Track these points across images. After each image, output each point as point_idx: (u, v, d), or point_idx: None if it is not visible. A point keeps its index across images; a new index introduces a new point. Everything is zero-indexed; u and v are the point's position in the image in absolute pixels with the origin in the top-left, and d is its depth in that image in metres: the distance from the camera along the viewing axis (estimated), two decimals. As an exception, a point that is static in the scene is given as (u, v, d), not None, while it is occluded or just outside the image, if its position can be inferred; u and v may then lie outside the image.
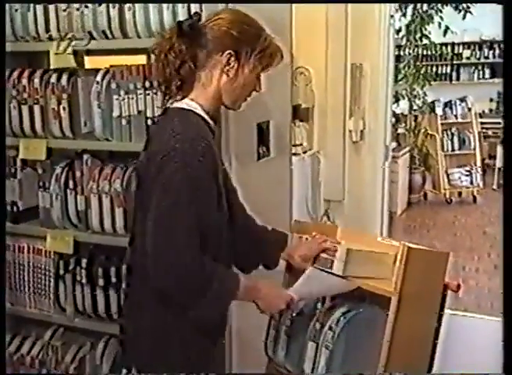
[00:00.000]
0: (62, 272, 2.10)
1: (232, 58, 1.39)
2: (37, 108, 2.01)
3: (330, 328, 1.53)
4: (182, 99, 1.42)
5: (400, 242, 1.55)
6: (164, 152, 1.31)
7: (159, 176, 1.31)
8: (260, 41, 1.42)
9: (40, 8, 1.97)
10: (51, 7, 1.95)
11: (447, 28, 6.45)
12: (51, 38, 1.96)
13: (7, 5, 2.01)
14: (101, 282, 2.02)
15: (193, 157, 1.30)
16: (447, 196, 6.64)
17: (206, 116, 1.42)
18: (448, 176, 6.67)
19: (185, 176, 1.29)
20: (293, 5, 2.25)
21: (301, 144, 3.42)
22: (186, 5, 1.78)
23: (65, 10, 1.93)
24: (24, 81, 2.02)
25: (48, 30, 1.97)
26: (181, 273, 1.30)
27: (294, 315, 1.62)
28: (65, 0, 1.93)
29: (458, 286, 1.52)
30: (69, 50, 1.93)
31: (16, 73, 2.03)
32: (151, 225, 1.31)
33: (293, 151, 2.77)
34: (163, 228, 1.30)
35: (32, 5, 1.97)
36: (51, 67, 1.98)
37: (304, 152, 3.46)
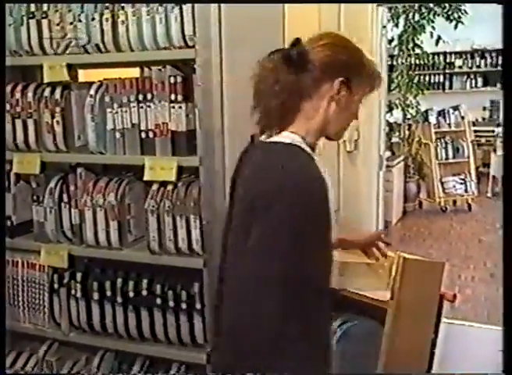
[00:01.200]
0: (56, 286, 2.09)
1: (344, 86, 1.31)
2: (30, 122, 2.01)
3: None
4: (279, 132, 1.33)
5: (394, 252, 1.56)
6: (284, 191, 1.20)
7: (283, 216, 1.19)
8: (366, 65, 1.36)
9: (33, 22, 1.97)
10: (45, 21, 1.95)
11: (439, 38, 6.51)
12: (44, 52, 1.97)
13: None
14: (96, 296, 2.01)
15: (319, 195, 1.22)
16: (442, 204, 6.66)
17: (310, 151, 1.31)
18: (442, 184, 6.70)
19: (313, 213, 1.21)
20: (286, 13, 2.26)
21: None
22: (179, 18, 1.79)
23: (58, 24, 1.94)
24: (18, 95, 2.01)
25: (41, 44, 1.97)
26: None
27: None
28: (63, 0, 1.94)
29: (454, 296, 1.52)
30: (63, 63, 1.94)
31: (9, 87, 2.03)
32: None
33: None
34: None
35: (25, 19, 1.98)
36: (45, 81, 1.98)
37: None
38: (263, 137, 1.37)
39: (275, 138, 1.32)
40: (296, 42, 1.34)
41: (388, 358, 1.47)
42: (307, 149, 1.30)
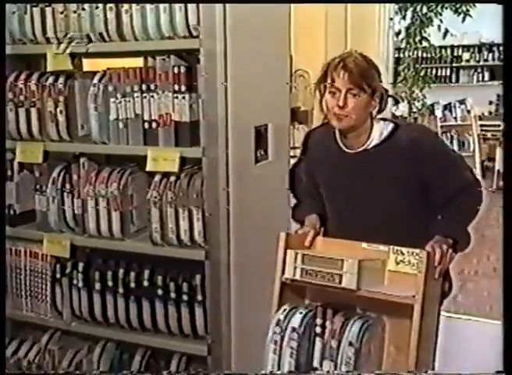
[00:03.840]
0: (58, 276, 2.09)
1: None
2: (33, 111, 2.00)
3: (350, 344, 1.49)
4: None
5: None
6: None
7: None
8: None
9: (37, 10, 1.96)
10: (48, 9, 1.94)
11: (447, 31, 6.46)
12: (48, 41, 1.95)
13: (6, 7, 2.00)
14: (97, 286, 2.01)
15: None
16: (447, 198, 6.63)
17: None
18: (447, 178, 6.66)
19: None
20: (292, 8, 2.24)
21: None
22: (183, 8, 1.77)
23: (62, 13, 1.92)
24: (21, 84, 2.00)
25: (45, 32, 1.96)
26: None
27: (296, 337, 1.56)
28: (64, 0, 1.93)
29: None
30: (67, 52, 1.93)
31: (13, 76, 2.02)
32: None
33: (292, 154, 2.76)
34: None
35: (29, 7, 1.97)
36: (48, 70, 1.97)
37: (303, 155, 3.45)
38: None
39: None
40: None
41: (418, 355, 1.46)
42: None
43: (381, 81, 1.74)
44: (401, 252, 1.54)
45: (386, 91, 1.79)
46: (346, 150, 1.76)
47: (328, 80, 1.67)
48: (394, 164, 1.70)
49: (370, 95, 1.68)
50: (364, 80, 1.65)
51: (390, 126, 1.74)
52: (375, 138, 1.73)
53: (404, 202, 1.73)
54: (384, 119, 1.77)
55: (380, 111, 1.75)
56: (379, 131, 1.73)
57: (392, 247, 1.56)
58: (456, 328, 2.99)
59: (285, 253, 1.61)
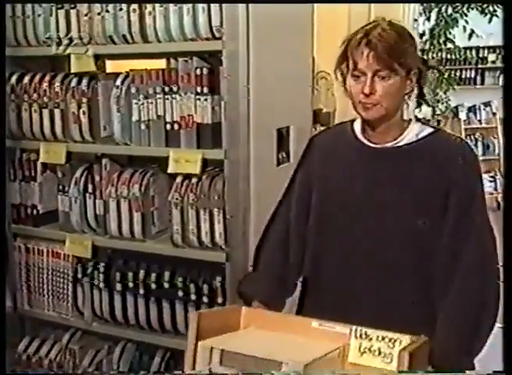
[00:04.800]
0: (80, 276, 2.10)
1: None
2: (57, 112, 2.02)
3: None
4: None
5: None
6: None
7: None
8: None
9: (62, 12, 1.98)
10: (73, 12, 1.96)
11: (472, 32, 6.35)
12: (71, 42, 1.97)
13: (30, 10, 2.03)
14: (118, 287, 2.02)
15: None
16: (471, 202, 6.53)
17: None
18: (471, 182, 6.56)
19: None
20: (315, 9, 2.22)
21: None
22: (206, 9, 1.76)
23: (86, 15, 1.94)
24: (45, 85, 2.03)
25: (69, 34, 1.97)
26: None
27: None
28: (63, 0, 1.95)
29: None
30: (90, 53, 1.94)
31: (37, 77, 2.05)
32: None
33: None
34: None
35: (54, 9, 1.98)
36: (72, 71, 1.98)
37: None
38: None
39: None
40: None
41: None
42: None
43: (417, 54, 1.41)
44: (367, 336, 1.11)
45: (425, 62, 1.52)
46: (370, 144, 1.42)
47: (350, 62, 1.33)
48: (425, 170, 1.37)
49: (404, 76, 1.34)
50: (395, 59, 1.30)
51: (431, 129, 1.43)
52: (410, 133, 1.40)
53: (421, 227, 1.37)
54: (422, 123, 1.48)
55: (421, 94, 1.43)
56: (417, 129, 1.42)
57: (354, 328, 1.13)
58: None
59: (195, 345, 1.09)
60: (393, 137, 1.40)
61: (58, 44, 1.98)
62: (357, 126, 1.45)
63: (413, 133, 1.41)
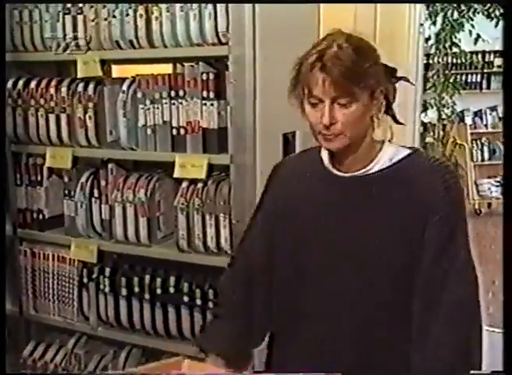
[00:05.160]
0: (85, 280, 2.10)
1: None
2: (63, 117, 2.02)
3: None
4: None
5: None
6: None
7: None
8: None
9: (68, 18, 1.98)
10: (80, 17, 1.96)
11: (478, 36, 6.34)
12: (77, 47, 1.97)
13: (37, 15, 2.04)
14: (124, 292, 2.02)
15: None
16: (476, 207, 6.51)
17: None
18: (477, 186, 6.55)
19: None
20: (321, 10, 2.22)
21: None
22: (212, 15, 1.77)
23: (93, 20, 1.94)
24: (52, 90, 2.03)
25: (76, 39, 1.98)
26: None
27: None
28: (64, 0, 1.96)
29: None
30: (96, 59, 1.94)
31: (44, 82, 2.05)
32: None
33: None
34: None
35: (61, 15, 1.99)
36: (78, 76, 1.99)
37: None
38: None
39: None
40: None
41: None
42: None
43: (381, 69, 1.20)
44: None
45: (393, 72, 1.25)
46: (339, 173, 1.25)
47: (305, 88, 1.16)
48: (401, 199, 1.20)
49: (368, 98, 1.16)
50: (354, 83, 1.13)
51: (407, 151, 1.25)
52: (382, 158, 1.23)
53: (399, 266, 1.21)
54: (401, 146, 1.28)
55: (388, 108, 1.25)
56: (390, 152, 1.24)
57: None
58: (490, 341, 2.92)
59: None
60: (363, 164, 1.23)
61: (65, 49, 1.99)
62: (325, 153, 1.28)
63: (386, 157, 1.23)
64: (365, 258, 1.21)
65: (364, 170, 1.23)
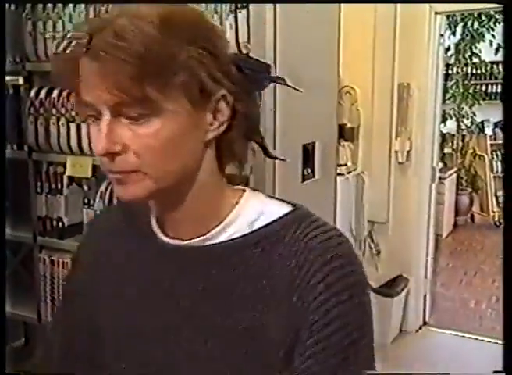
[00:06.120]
0: (103, 289, 2.10)
1: None
2: (84, 127, 2.04)
3: None
4: None
5: None
6: None
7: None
8: None
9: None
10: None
11: (499, 46, 6.29)
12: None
13: (60, 26, 2.06)
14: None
15: None
16: (496, 219, 6.41)
17: None
18: (497, 198, 6.45)
19: None
20: (341, 25, 2.22)
21: (346, 165, 3.37)
22: (233, 25, 1.77)
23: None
24: (73, 100, 2.05)
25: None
26: None
27: None
28: (68, 1, 1.97)
29: None
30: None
31: (65, 92, 2.07)
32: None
33: (337, 171, 2.73)
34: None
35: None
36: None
37: (349, 173, 3.40)
38: None
39: None
40: None
41: None
42: None
43: (226, 57, 0.74)
44: None
45: (260, 68, 0.79)
46: (169, 241, 0.79)
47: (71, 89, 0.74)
48: (257, 293, 0.73)
49: (193, 108, 0.70)
50: (157, 80, 0.66)
51: (279, 210, 0.78)
52: (238, 220, 0.77)
53: None
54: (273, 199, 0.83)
55: (250, 133, 0.83)
56: (254, 211, 0.78)
57: None
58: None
59: None
60: (207, 227, 0.76)
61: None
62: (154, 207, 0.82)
63: (244, 219, 0.77)
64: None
65: (203, 238, 0.76)
